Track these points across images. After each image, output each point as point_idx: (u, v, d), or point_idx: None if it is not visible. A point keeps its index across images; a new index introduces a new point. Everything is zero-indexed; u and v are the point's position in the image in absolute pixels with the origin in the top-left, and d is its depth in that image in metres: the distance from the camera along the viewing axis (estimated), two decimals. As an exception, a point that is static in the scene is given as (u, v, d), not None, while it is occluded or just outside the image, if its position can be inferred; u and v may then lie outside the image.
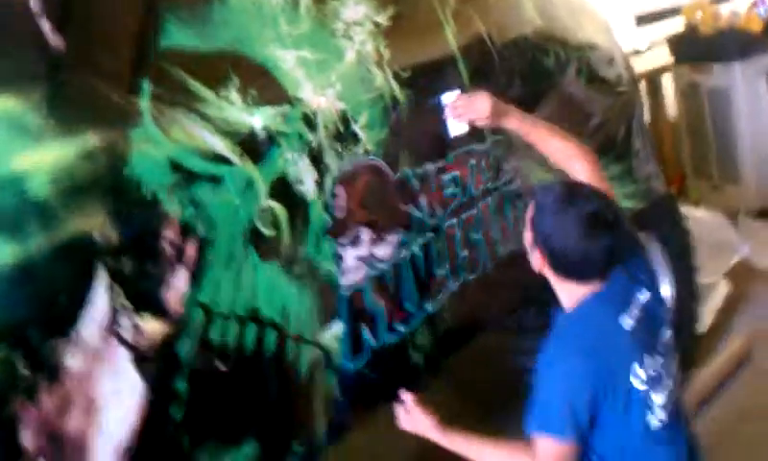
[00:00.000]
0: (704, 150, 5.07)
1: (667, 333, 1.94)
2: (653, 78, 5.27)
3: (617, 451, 1.86)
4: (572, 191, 1.87)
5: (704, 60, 4.87)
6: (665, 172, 4.08)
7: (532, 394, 1.85)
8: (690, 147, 5.20)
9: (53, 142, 1.45)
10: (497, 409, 3.48)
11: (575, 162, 2.05)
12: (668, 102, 5.48)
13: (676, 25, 5.25)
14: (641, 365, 1.83)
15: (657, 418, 1.86)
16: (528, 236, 1.91)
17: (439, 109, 2.22)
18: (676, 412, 1.92)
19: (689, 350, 3.51)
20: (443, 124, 2.22)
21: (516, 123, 2.16)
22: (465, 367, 3.27)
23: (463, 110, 2.16)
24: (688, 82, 5.04)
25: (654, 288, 1.94)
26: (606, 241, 1.81)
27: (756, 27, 4.68)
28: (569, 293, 1.88)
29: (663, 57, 5.27)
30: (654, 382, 1.86)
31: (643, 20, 5.67)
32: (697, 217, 4.41)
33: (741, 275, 4.21)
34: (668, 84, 5.38)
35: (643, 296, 1.90)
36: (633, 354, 1.83)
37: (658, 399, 1.86)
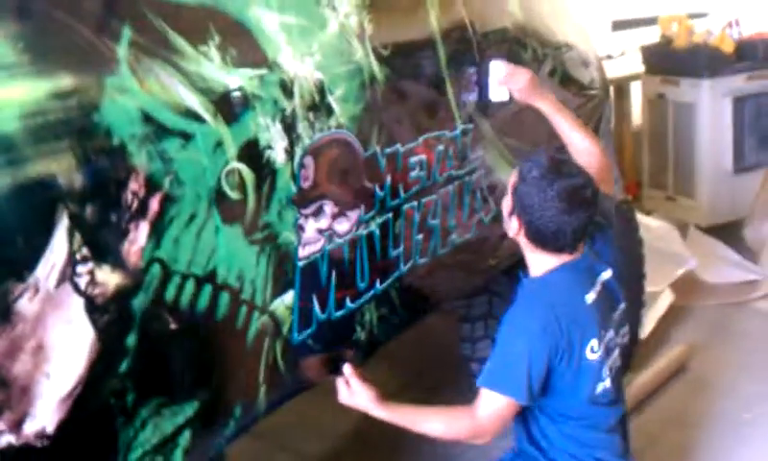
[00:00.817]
0: (663, 161, 5.16)
1: (622, 309, 2.09)
2: (622, 84, 5.34)
3: (562, 411, 1.97)
4: (557, 165, 1.95)
5: (673, 74, 4.94)
6: (623, 178, 4.15)
7: (496, 345, 1.96)
8: (650, 156, 5.29)
9: (25, 78, 1.41)
10: (436, 393, 3.54)
11: (589, 158, 2.16)
12: (634, 109, 5.56)
13: (650, 35, 5.32)
14: (599, 340, 1.95)
15: (604, 385, 2.00)
16: (508, 203, 2.02)
17: (483, 72, 2.49)
18: (619, 377, 2.08)
19: (630, 354, 3.61)
20: (484, 87, 2.50)
21: (548, 105, 2.34)
22: (407, 349, 3.31)
23: (506, 78, 2.38)
24: (656, 92, 5.11)
25: (615, 268, 2.07)
26: (583, 216, 1.93)
27: (728, 48, 4.76)
28: (540, 262, 1.99)
29: (635, 65, 5.34)
30: (606, 355, 1.98)
31: (619, 26, 5.72)
32: (649, 226, 4.50)
33: (685, 286, 4.31)
34: (636, 92, 5.46)
35: (606, 274, 2.03)
36: (592, 329, 1.94)
37: (606, 369, 1.99)
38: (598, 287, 2.00)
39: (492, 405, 1.91)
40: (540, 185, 1.92)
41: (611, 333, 2.02)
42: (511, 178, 2.03)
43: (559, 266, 1.98)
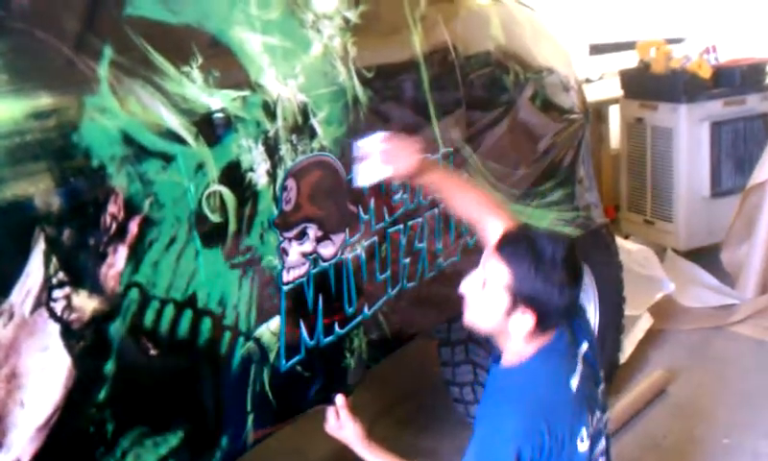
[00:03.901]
0: (641, 184, 5.18)
1: (603, 383, 1.94)
2: (600, 108, 5.37)
3: None
4: (537, 243, 1.78)
5: (652, 98, 4.97)
6: (601, 201, 4.15)
7: (473, 445, 1.79)
8: (628, 180, 5.32)
9: (2, 98, 1.37)
10: (415, 417, 3.51)
11: (493, 219, 1.97)
12: (612, 133, 5.59)
13: (628, 59, 5.36)
14: (587, 427, 1.82)
15: None
16: (502, 304, 1.77)
17: (352, 153, 2.03)
18: (608, 455, 1.95)
19: (608, 378, 3.60)
20: (352, 168, 2.04)
21: (437, 178, 2.05)
22: (387, 372, 3.27)
23: (391, 157, 1.98)
24: (634, 116, 5.14)
25: (591, 336, 1.93)
26: (581, 277, 1.81)
27: (705, 74, 4.80)
28: (521, 349, 1.81)
29: (613, 89, 5.38)
30: (596, 438, 1.85)
31: (597, 50, 5.76)
32: (627, 249, 4.51)
33: (664, 311, 4.31)
34: (614, 115, 5.49)
35: (584, 347, 1.89)
36: (580, 418, 1.81)
37: (597, 451, 1.88)
38: (579, 366, 1.84)
39: None
40: (540, 268, 1.73)
41: (596, 415, 1.87)
42: (495, 278, 1.78)
43: (538, 350, 1.80)
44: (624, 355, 3.82)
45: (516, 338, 1.80)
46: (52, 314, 1.41)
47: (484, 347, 3.16)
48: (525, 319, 1.76)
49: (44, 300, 1.40)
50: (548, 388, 1.79)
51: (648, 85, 5.04)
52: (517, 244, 1.78)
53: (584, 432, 1.80)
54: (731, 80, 4.89)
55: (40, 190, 1.41)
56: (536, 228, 1.86)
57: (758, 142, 4.85)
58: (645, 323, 4.14)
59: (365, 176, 2.02)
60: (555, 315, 1.78)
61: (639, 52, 5.14)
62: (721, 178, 4.94)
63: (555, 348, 1.82)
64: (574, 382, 1.81)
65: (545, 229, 1.88)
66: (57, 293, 1.42)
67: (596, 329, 3.51)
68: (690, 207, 4.93)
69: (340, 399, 1.99)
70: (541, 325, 1.77)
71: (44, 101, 1.43)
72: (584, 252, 3.40)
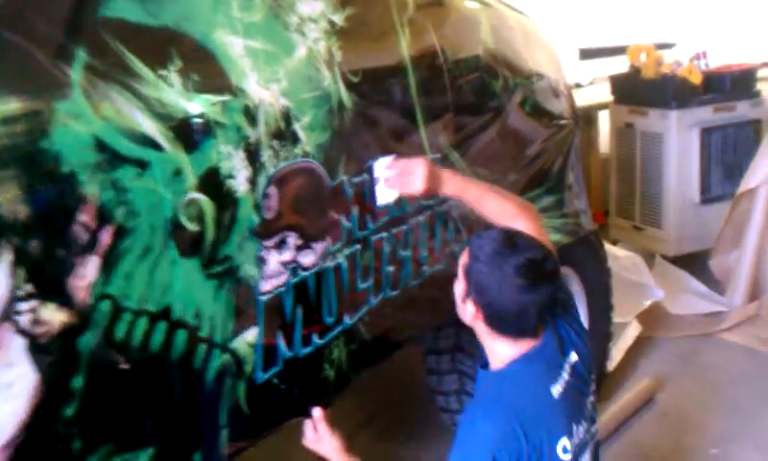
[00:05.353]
0: (630, 190, 5.16)
1: (592, 395, 1.90)
2: (590, 113, 5.34)
3: None
4: (511, 239, 1.78)
5: (642, 104, 4.95)
6: (590, 207, 4.12)
7: (453, 448, 1.76)
8: (617, 185, 5.29)
9: (-33, 102, 1.32)
10: (401, 426, 3.46)
11: (516, 222, 1.96)
12: (601, 138, 5.56)
13: (618, 64, 5.33)
14: (570, 437, 1.78)
15: None
16: (461, 287, 1.82)
17: (369, 174, 2.15)
18: None
19: (597, 386, 3.56)
20: (370, 191, 2.15)
21: (454, 188, 2.12)
22: (372, 380, 3.23)
23: (398, 180, 2.11)
24: (624, 121, 5.12)
25: (583, 347, 1.88)
26: (545, 292, 1.75)
27: (696, 79, 4.78)
28: (499, 351, 1.81)
29: (603, 93, 5.35)
30: (580, 450, 1.82)
31: (586, 55, 5.74)
32: (617, 255, 4.48)
33: (652, 318, 4.29)
34: (604, 120, 5.46)
35: (573, 357, 1.84)
36: (560, 426, 1.77)
37: None
38: (565, 376, 1.80)
39: None
40: (494, 262, 1.73)
41: (583, 426, 1.83)
42: (461, 258, 1.83)
43: (520, 356, 1.78)
44: (612, 363, 3.80)
45: (481, 336, 1.82)
46: (18, 328, 1.36)
47: (470, 356, 3.12)
48: (470, 309, 1.79)
49: (10, 313, 1.35)
50: (527, 393, 1.77)
51: (638, 91, 5.02)
52: (490, 235, 1.80)
53: (566, 442, 1.77)
54: (721, 86, 4.88)
55: (7, 198, 1.35)
56: (527, 236, 1.83)
57: (748, 149, 4.83)
58: (634, 330, 4.11)
59: (381, 197, 2.16)
60: (505, 319, 1.77)
61: (630, 57, 5.12)
62: (710, 184, 4.92)
63: (540, 354, 1.80)
64: (556, 390, 1.78)
65: (536, 240, 1.82)
66: (23, 306, 1.37)
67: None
68: (680, 214, 4.91)
69: (318, 411, 1.97)
70: (491, 323, 1.78)
71: (12, 105, 1.38)
72: (572, 258, 3.39)
